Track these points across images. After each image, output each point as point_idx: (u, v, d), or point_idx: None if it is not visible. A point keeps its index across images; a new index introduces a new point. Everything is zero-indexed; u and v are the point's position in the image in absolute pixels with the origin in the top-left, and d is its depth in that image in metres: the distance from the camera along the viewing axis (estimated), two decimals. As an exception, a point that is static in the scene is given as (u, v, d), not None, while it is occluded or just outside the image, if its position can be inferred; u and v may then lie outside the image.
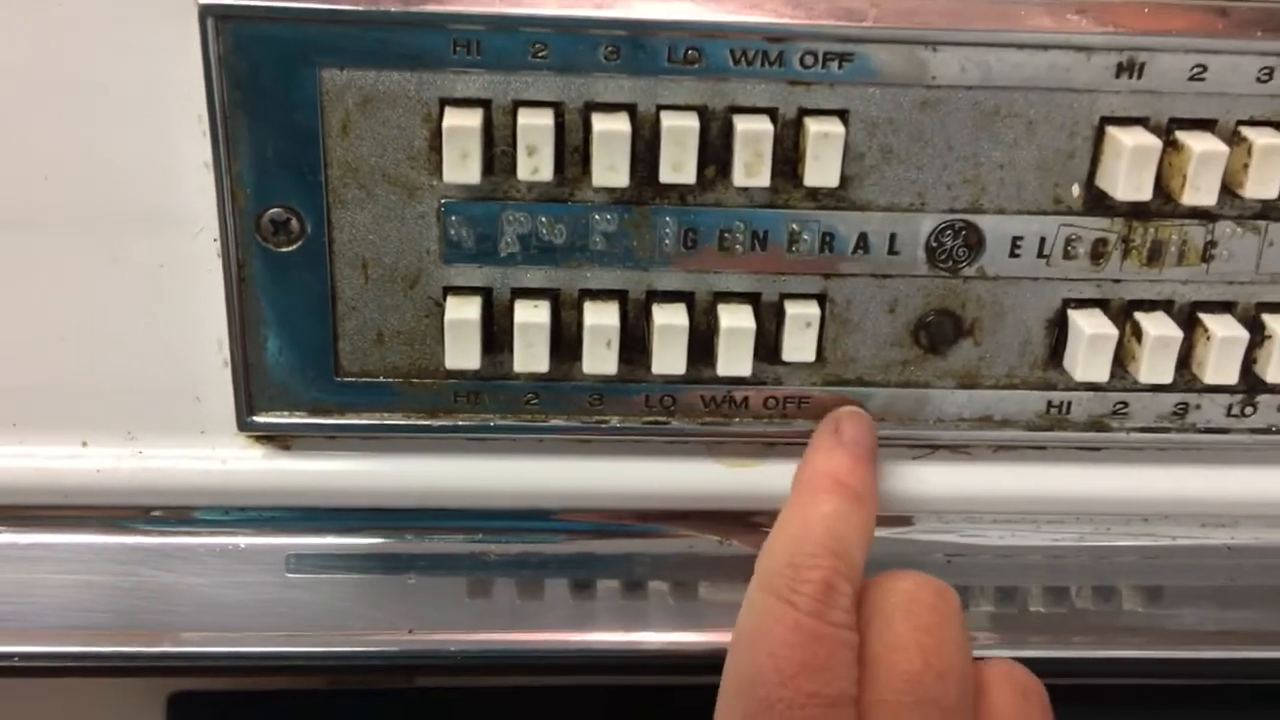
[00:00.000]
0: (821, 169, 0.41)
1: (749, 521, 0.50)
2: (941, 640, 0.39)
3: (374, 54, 0.40)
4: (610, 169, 0.41)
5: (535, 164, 0.41)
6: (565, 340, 0.44)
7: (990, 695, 0.40)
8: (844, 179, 0.42)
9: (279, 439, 0.47)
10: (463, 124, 0.40)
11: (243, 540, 0.48)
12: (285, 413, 0.45)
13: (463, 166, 0.40)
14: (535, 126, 0.40)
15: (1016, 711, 0.40)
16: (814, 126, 0.41)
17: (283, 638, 0.47)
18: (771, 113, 0.41)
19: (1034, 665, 0.42)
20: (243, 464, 0.47)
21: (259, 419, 0.45)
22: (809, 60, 0.41)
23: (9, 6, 0.40)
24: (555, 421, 0.46)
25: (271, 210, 0.42)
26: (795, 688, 0.37)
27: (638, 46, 0.40)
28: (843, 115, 0.42)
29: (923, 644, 0.39)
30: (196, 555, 0.48)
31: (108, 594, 0.48)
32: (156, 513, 0.48)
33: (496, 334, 0.44)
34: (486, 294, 0.44)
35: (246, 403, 0.45)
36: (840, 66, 0.41)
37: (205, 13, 0.39)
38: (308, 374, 0.45)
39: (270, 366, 0.45)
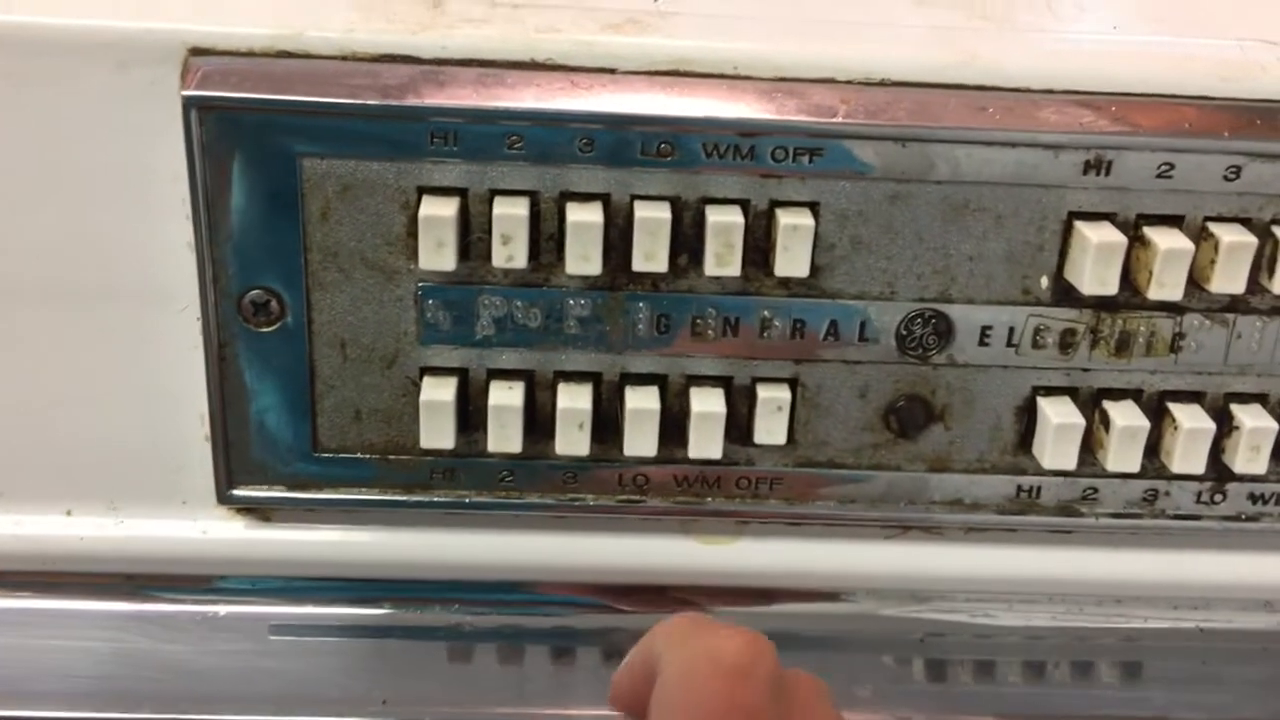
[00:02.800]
0: (792, 259, 0.42)
1: (724, 597, 0.50)
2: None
3: (354, 144, 0.41)
4: (583, 258, 0.42)
5: (510, 251, 0.41)
6: (540, 420, 0.45)
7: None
8: (815, 268, 0.43)
9: (259, 510, 0.48)
10: (438, 213, 0.41)
11: (222, 609, 0.49)
12: (265, 486, 0.46)
13: (438, 254, 0.41)
14: (510, 216, 0.41)
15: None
16: (785, 218, 0.42)
17: (260, 706, 0.47)
18: (743, 204, 0.42)
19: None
20: (223, 534, 0.48)
21: (239, 492, 0.46)
22: (780, 154, 0.42)
23: (2, 95, 0.41)
24: (530, 498, 0.47)
25: (253, 291, 0.43)
26: None
27: (612, 139, 0.41)
28: (813, 207, 0.42)
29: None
30: (177, 623, 0.49)
31: (90, 660, 0.48)
32: (138, 581, 0.49)
33: (472, 413, 0.45)
34: (462, 374, 0.45)
35: (227, 476, 0.46)
36: (811, 160, 0.42)
37: (189, 103, 0.40)
38: (287, 449, 0.46)
39: (250, 441, 0.45)
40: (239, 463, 0.46)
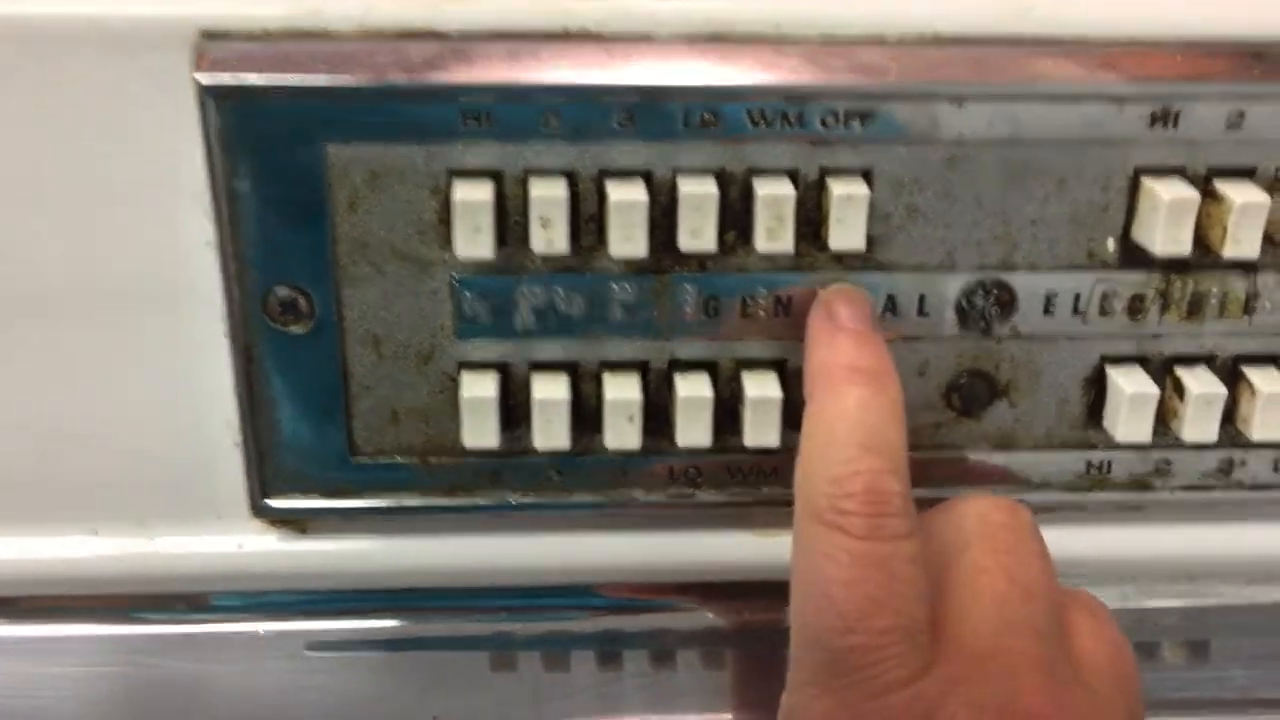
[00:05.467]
0: (846, 231, 0.40)
1: (782, 592, 0.48)
2: (1024, 559, 0.37)
3: (381, 128, 0.39)
4: (627, 239, 0.39)
5: (550, 235, 0.39)
6: (586, 414, 0.43)
7: (1068, 615, 0.38)
8: (870, 240, 0.40)
9: (295, 522, 0.45)
10: (474, 197, 0.39)
11: (261, 626, 0.47)
12: (300, 496, 0.44)
13: (475, 241, 0.39)
14: (548, 198, 0.39)
15: (1098, 636, 0.38)
16: (837, 188, 0.40)
17: (304, 728, 0.45)
18: (793, 174, 0.40)
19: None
20: (258, 548, 0.46)
21: (273, 503, 0.44)
22: (830, 119, 0.39)
23: (7, 92, 0.39)
24: (579, 497, 0.44)
25: (278, 289, 0.41)
26: (866, 629, 0.34)
27: (652, 111, 0.39)
28: (867, 175, 0.40)
29: (1005, 564, 0.36)
30: (213, 643, 0.47)
31: (123, 686, 0.46)
32: (171, 601, 0.47)
33: (514, 409, 0.43)
34: (503, 369, 0.42)
35: (260, 486, 0.44)
36: (862, 125, 0.39)
37: (203, 91, 0.38)
38: (322, 456, 0.43)
39: (283, 449, 0.43)
40: (272, 472, 0.44)
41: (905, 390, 0.42)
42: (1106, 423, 0.44)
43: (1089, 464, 0.45)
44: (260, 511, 0.44)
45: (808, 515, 0.36)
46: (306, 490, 0.44)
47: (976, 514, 0.38)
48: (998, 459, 0.45)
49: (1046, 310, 0.42)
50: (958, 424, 0.44)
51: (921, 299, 0.42)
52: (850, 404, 0.37)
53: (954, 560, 0.37)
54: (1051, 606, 0.37)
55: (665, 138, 0.39)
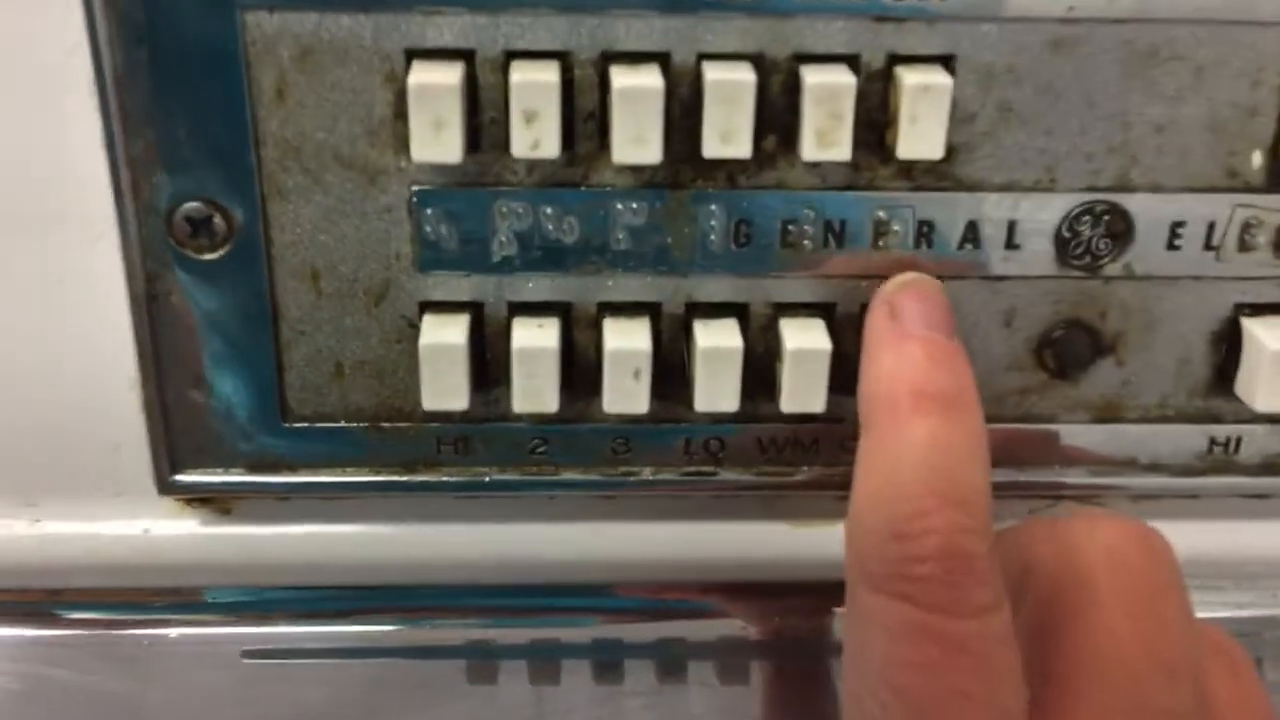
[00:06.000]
0: (920, 136, 0.31)
1: (820, 595, 0.39)
2: (1167, 622, 0.29)
3: (315, -12, 0.30)
4: (636, 140, 0.30)
5: (535, 136, 0.30)
6: (580, 370, 0.34)
7: (1207, 680, 0.30)
8: (949, 149, 0.32)
9: (217, 501, 0.36)
10: (435, 81, 0.30)
11: (174, 631, 0.38)
12: (219, 469, 0.35)
13: (437, 141, 0.30)
14: (534, 84, 0.30)
15: (1240, 704, 0.30)
16: (910, 78, 0.30)
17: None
18: (852, 60, 0.31)
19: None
20: (171, 532, 0.37)
21: (184, 478, 0.35)
22: (901, -12, 0.30)
23: None
24: (569, 475, 0.36)
25: (188, 205, 0.32)
26: None
27: (670, -26, 0.30)
28: (947, 62, 0.31)
29: (1143, 632, 0.28)
30: (117, 651, 0.38)
31: (3, 699, 0.37)
32: (63, 597, 0.38)
33: (490, 363, 0.34)
34: (476, 310, 0.33)
35: (168, 457, 0.35)
36: (943, -4, 0.30)
37: (83, -61, 0.29)
38: (247, 419, 0.35)
39: (199, 411, 0.34)
40: (185, 439, 0.35)
41: (986, 344, 0.33)
42: (1240, 388, 0.35)
43: (1213, 441, 0.36)
44: (169, 488, 0.35)
45: (864, 581, 0.28)
46: (227, 462, 0.35)
47: (1103, 549, 0.30)
48: (1098, 434, 0.36)
49: (1171, 243, 0.34)
50: (1050, 388, 0.35)
51: (1011, 226, 0.33)
52: (919, 438, 0.29)
53: (1070, 619, 0.29)
54: (1196, 686, 0.28)
55: (688, 9, 0.30)
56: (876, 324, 0.32)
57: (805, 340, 0.33)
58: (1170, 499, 0.38)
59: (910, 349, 0.31)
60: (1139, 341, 0.35)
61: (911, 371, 0.30)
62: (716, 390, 0.33)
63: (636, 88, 0.30)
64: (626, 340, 0.33)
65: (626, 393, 0.33)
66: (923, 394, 0.30)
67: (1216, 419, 0.36)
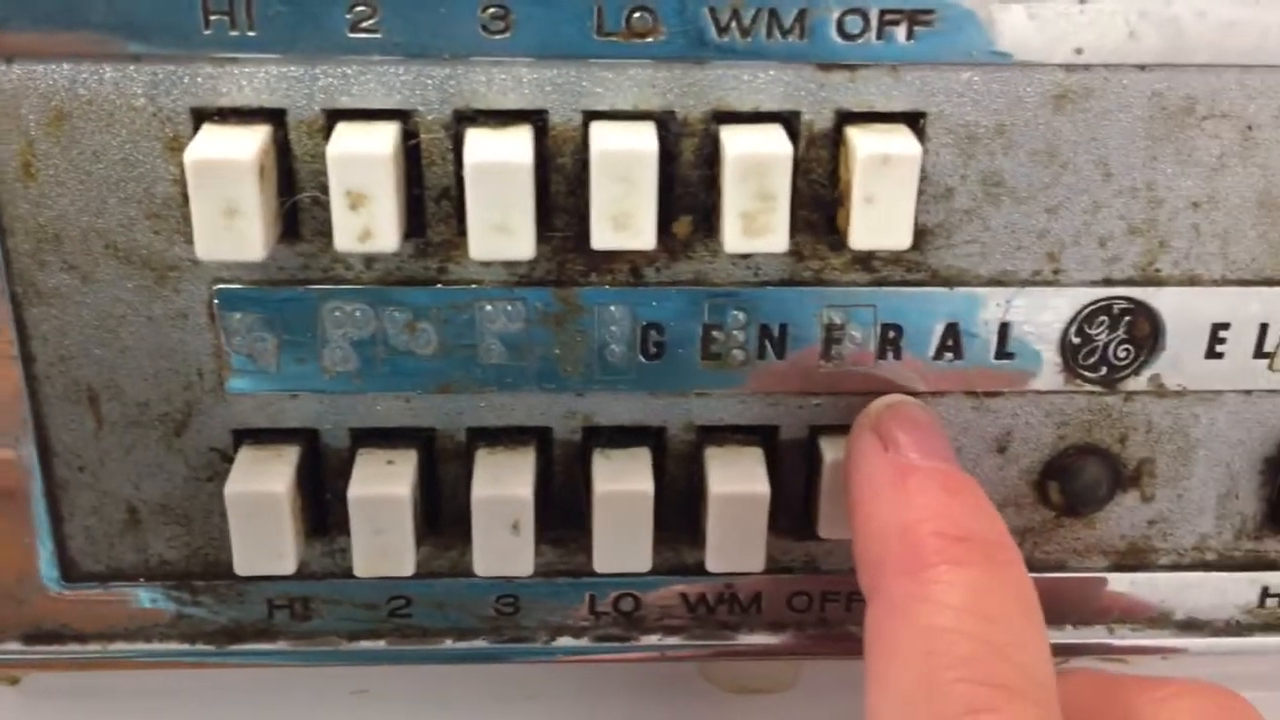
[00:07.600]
0: (879, 219, 0.23)
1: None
2: None
3: (67, 24, 0.22)
4: (499, 229, 0.23)
5: (364, 223, 0.23)
6: (450, 514, 0.26)
7: None
8: (920, 233, 0.24)
9: None
10: (222, 156, 0.22)
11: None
12: (-11, 639, 0.27)
13: (229, 233, 0.22)
14: (358, 157, 0.22)
15: None
16: (865, 145, 0.23)
17: None
18: (789, 120, 0.23)
19: None
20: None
21: (-55, 651, 0.27)
22: (853, 25, 0.23)
23: None
24: (443, 643, 0.28)
25: (-80, 311, 0.24)
26: None
27: (542, 4, 0.22)
28: (915, 122, 0.23)
29: None
30: None
31: None
32: None
33: (332, 503, 0.26)
34: (310, 438, 0.25)
35: (-76, 625, 0.27)
36: (910, 35, 0.23)
37: None
38: (20, 580, 0.27)
39: (-37, 564, 0.27)
40: (-54, 600, 0.27)
41: (975, 475, 0.26)
42: (1299, 530, 0.27)
43: (1265, 591, 0.29)
44: (-76, 664, 0.27)
45: None
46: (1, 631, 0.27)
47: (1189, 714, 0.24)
48: (1119, 584, 0.29)
49: (1211, 350, 0.26)
50: (1057, 529, 0.28)
51: (1004, 330, 0.26)
52: (956, 601, 0.22)
53: None
54: None
55: (568, 55, 0.22)
56: (867, 458, 0.25)
57: (736, 481, 0.25)
58: (1212, 661, 0.30)
59: (921, 484, 0.24)
60: (1170, 472, 0.28)
61: (929, 512, 0.23)
62: (621, 546, 0.26)
63: (493, 164, 0.22)
64: (499, 485, 0.25)
65: (502, 552, 0.26)
66: (950, 538, 0.23)
67: (1271, 565, 0.29)
